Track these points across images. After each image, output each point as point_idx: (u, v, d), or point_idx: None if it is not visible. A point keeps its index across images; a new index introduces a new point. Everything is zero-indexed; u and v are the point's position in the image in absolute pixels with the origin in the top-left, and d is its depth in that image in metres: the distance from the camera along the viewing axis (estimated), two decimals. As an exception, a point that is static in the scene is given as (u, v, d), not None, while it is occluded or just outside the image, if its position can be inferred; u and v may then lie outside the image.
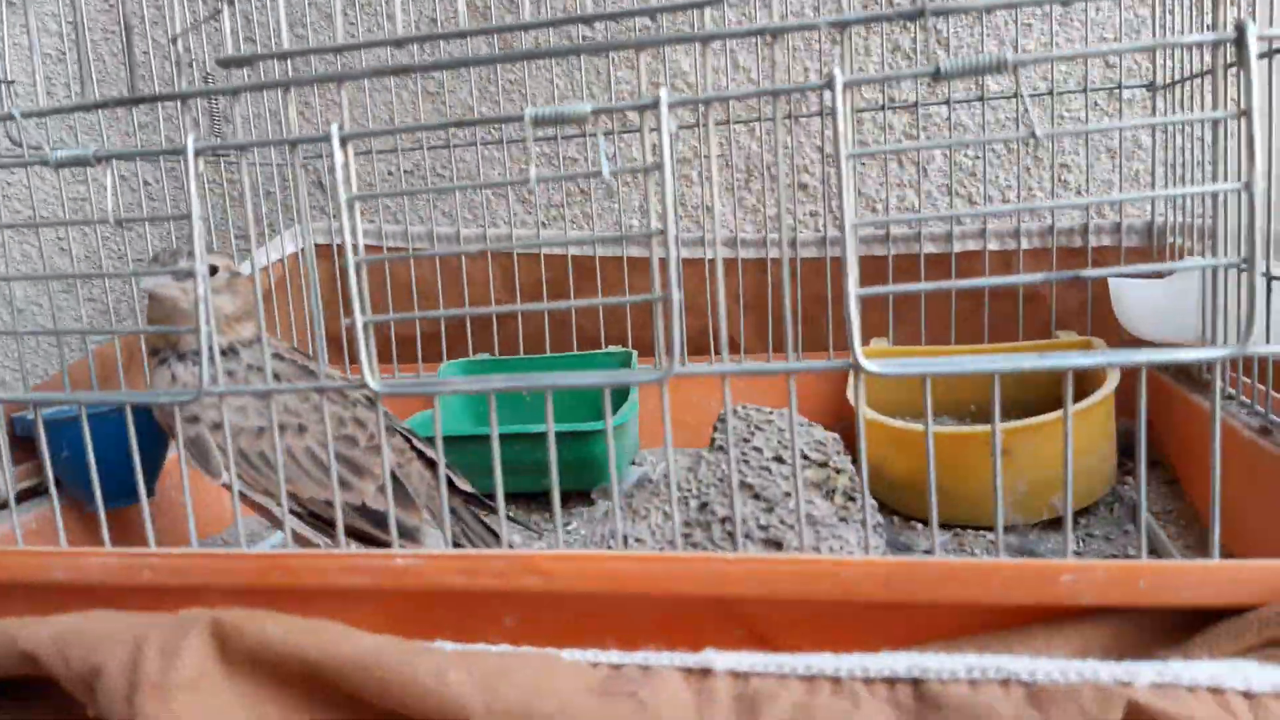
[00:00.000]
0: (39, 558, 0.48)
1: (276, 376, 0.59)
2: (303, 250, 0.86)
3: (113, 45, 1.04)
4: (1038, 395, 0.78)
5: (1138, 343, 0.71)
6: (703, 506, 0.53)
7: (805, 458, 0.54)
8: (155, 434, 0.63)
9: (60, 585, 0.48)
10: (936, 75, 0.38)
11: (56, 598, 0.48)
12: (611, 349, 0.88)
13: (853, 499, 0.53)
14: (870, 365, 0.40)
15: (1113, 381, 0.70)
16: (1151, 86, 0.79)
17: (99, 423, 0.60)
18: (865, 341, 0.86)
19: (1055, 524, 0.67)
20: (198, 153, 0.43)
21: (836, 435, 0.57)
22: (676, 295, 0.40)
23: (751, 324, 0.87)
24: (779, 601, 0.42)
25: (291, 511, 0.57)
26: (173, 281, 0.57)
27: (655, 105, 0.40)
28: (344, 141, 0.43)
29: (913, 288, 0.41)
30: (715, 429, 0.58)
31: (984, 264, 0.83)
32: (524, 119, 0.40)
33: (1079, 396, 0.71)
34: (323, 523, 0.58)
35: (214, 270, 0.58)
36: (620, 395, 0.84)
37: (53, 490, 0.54)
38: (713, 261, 0.88)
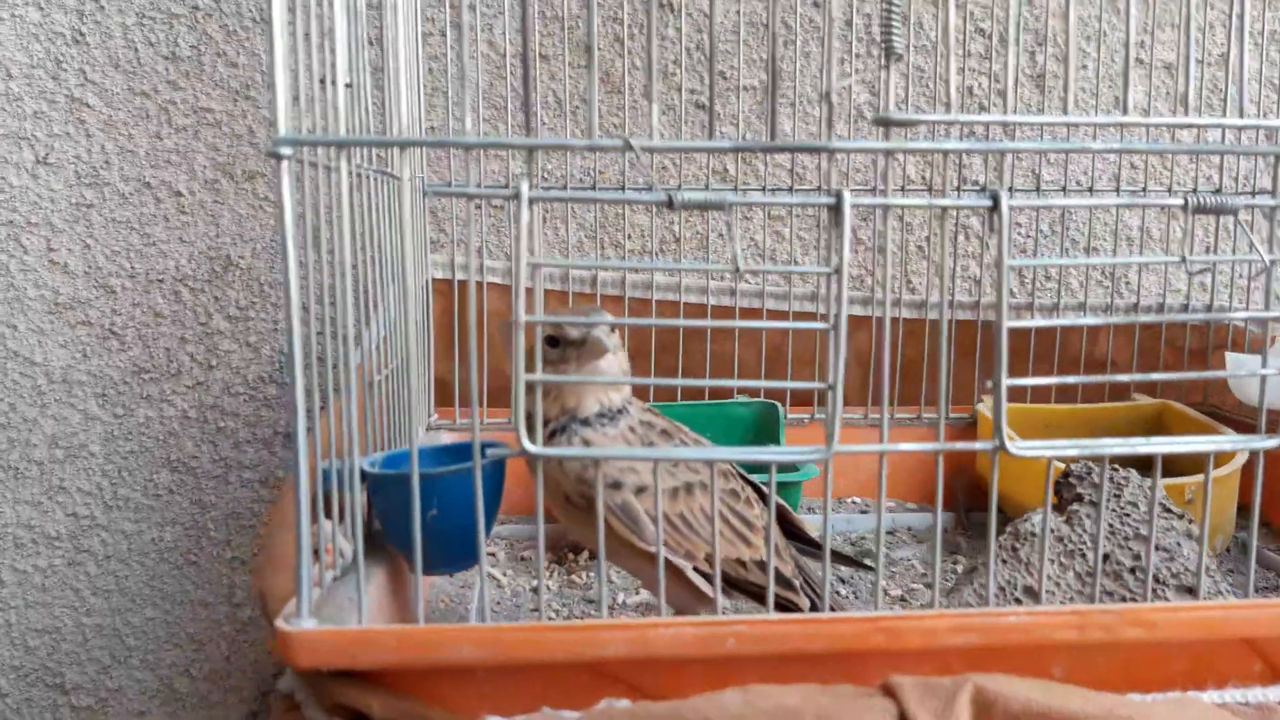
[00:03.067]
0: (589, 632, 0.44)
1: (667, 434, 0.57)
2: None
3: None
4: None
5: (1249, 410, 0.84)
6: (1105, 558, 0.58)
7: (1168, 510, 0.60)
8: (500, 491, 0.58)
9: (612, 661, 0.44)
10: None
11: (583, 679, 0.44)
12: (741, 399, 0.90)
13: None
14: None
15: (1243, 456, 0.82)
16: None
17: (461, 480, 0.54)
18: (980, 398, 0.94)
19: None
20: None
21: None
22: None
23: (855, 378, 0.93)
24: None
25: (699, 570, 0.55)
26: (604, 333, 0.53)
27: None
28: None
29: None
30: (1061, 487, 0.63)
31: (1082, 337, 0.95)
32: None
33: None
34: (727, 583, 0.57)
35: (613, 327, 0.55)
36: (771, 435, 0.86)
37: (417, 554, 0.48)
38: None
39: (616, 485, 0.53)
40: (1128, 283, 1.01)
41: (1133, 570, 0.57)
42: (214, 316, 0.94)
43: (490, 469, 0.55)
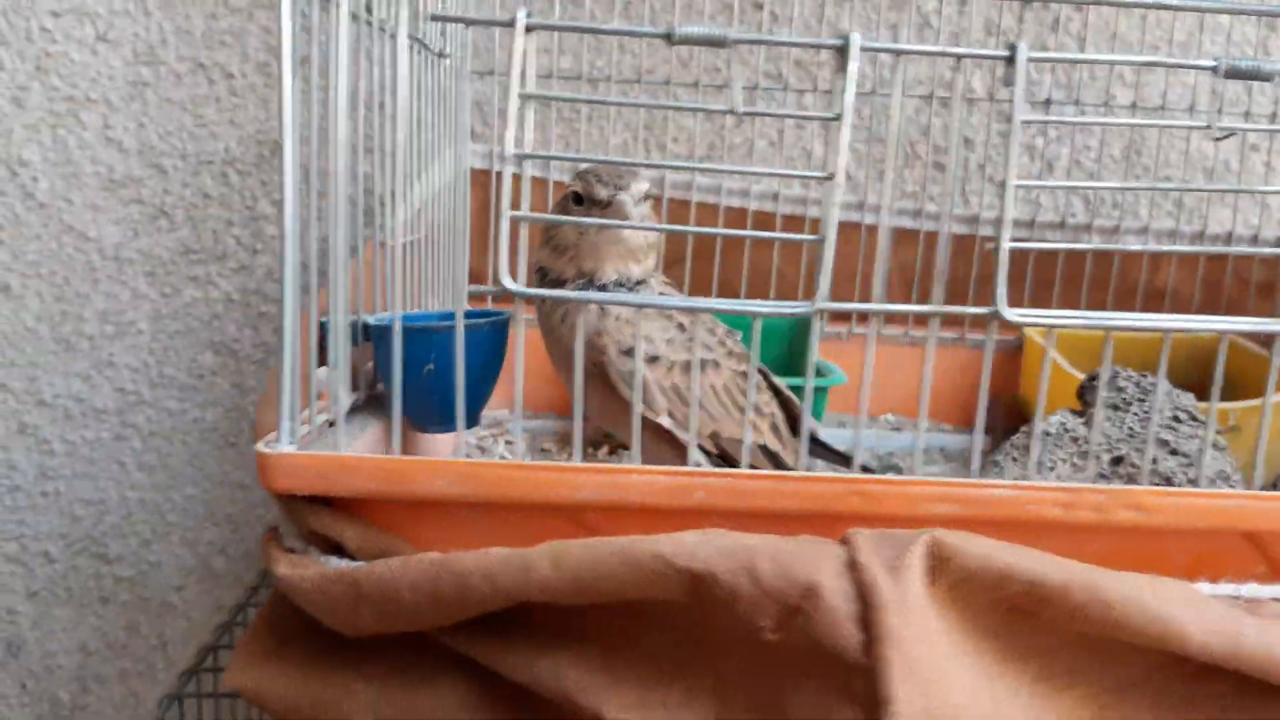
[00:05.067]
0: (567, 473, 0.44)
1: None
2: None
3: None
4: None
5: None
6: (1117, 460, 0.55)
7: (1194, 419, 0.58)
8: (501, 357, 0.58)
9: (586, 505, 0.44)
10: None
11: (556, 523, 0.44)
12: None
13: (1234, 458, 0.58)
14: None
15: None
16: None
17: (472, 335, 0.54)
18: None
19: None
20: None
21: (1190, 402, 0.61)
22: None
23: (899, 295, 0.91)
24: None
25: (703, 449, 0.55)
26: (631, 201, 0.52)
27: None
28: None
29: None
30: (1084, 390, 0.61)
31: (1142, 265, 0.91)
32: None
33: (1246, 393, 0.79)
34: (726, 462, 0.56)
35: (648, 194, 0.54)
36: (800, 358, 0.85)
37: (397, 406, 0.49)
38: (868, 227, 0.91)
39: (628, 352, 0.53)
40: (1200, 213, 0.97)
41: (1150, 474, 0.55)
42: (260, 201, 0.96)
43: (490, 331, 0.55)
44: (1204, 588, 0.43)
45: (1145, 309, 0.91)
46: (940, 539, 0.38)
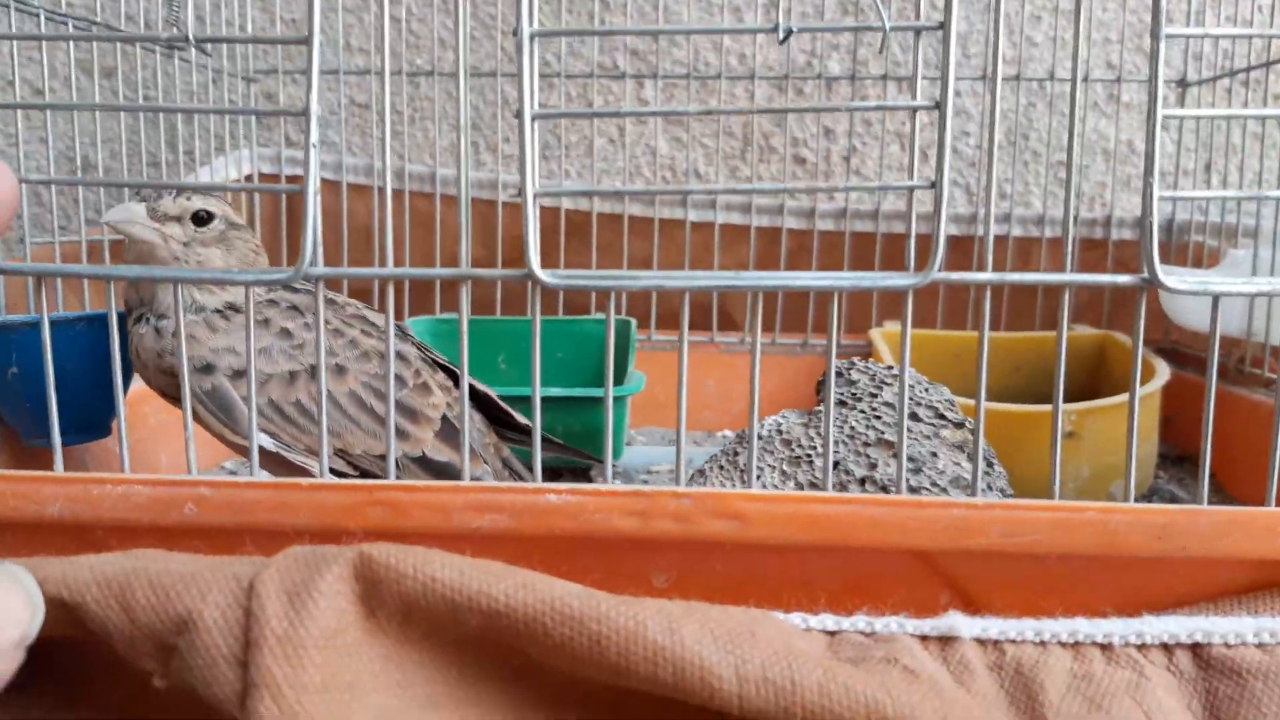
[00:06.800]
0: (30, 484, 0.36)
1: (297, 309, 0.48)
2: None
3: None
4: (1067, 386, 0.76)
5: (1186, 335, 0.69)
6: (834, 465, 0.46)
7: (941, 417, 0.48)
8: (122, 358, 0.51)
9: (55, 524, 0.36)
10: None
11: (47, 542, 0.36)
12: (598, 315, 0.80)
13: (991, 464, 0.48)
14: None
15: (1163, 374, 0.67)
16: (1183, 83, 0.78)
17: (60, 334, 0.47)
18: (879, 324, 0.81)
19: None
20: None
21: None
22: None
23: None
24: (1017, 555, 0.35)
25: (336, 471, 0.46)
26: (149, 221, 0.45)
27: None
28: (533, 38, 0.34)
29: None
30: (820, 386, 0.51)
31: (1007, 251, 0.80)
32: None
33: (1123, 389, 0.68)
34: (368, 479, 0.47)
35: (207, 218, 0.46)
36: (618, 368, 0.76)
37: None
38: (726, 226, 0.82)
39: (208, 368, 0.45)
40: (1102, 200, 0.86)
41: (862, 482, 0.45)
42: None
43: (86, 328, 0.48)
44: (820, 620, 0.34)
45: (1012, 298, 0.81)
46: (369, 556, 0.29)
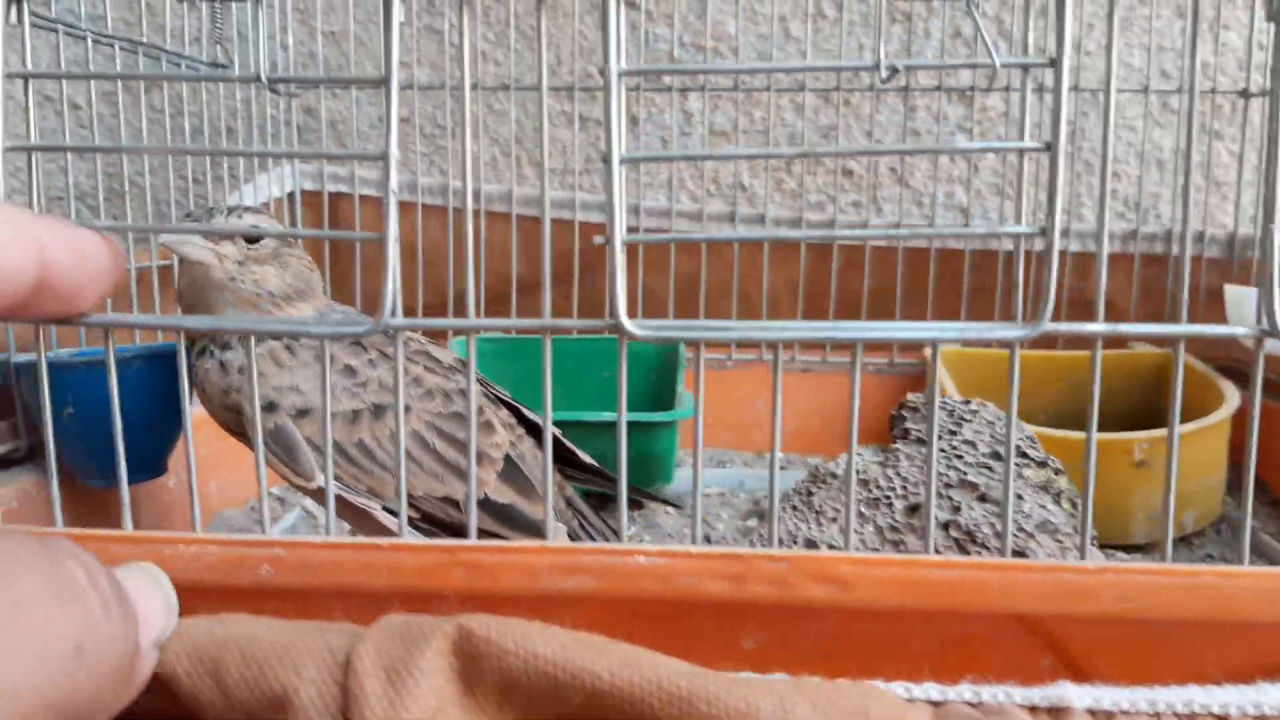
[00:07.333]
0: (99, 543, 0.35)
1: (360, 344, 0.47)
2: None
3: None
4: (1126, 409, 0.74)
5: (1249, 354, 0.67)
6: (913, 509, 0.44)
7: (1024, 455, 0.46)
8: (175, 396, 0.50)
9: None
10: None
11: None
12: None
13: (1074, 504, 0.46)
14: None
15: (1233, 400, 0.66)
16: (1245, 94, 0.76)
17: (116, 373, 0.46)
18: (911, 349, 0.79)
19: (1181, 542, 0.62)
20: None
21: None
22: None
23: (811, 315, 0.79)
24: (1129, 621, 0.34)
25: (392, 511, 0.45)
26: (204, 241, 0.44)
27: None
28: (621, 76, 0.32)
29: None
30: (894, 422, 0.50)
31: (1066, 268, 0.79)
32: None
33: (1191, 416, 0.66)
34: (438, 526, 0.46)
35: (259, 236, 0.45)
36: (668, 388, 0.75)
37: (50, 455, 0.40)
38: (775, 243, 0.80)
39: (271, 406, 0.44)
40: (1155, 212, 0.84)
41: (945, 527, 0.43)
42: None
43: (141, 368, 0.46)
44: (925, 690, 0.32)
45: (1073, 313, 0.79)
46: (469, 630, 0.28)
